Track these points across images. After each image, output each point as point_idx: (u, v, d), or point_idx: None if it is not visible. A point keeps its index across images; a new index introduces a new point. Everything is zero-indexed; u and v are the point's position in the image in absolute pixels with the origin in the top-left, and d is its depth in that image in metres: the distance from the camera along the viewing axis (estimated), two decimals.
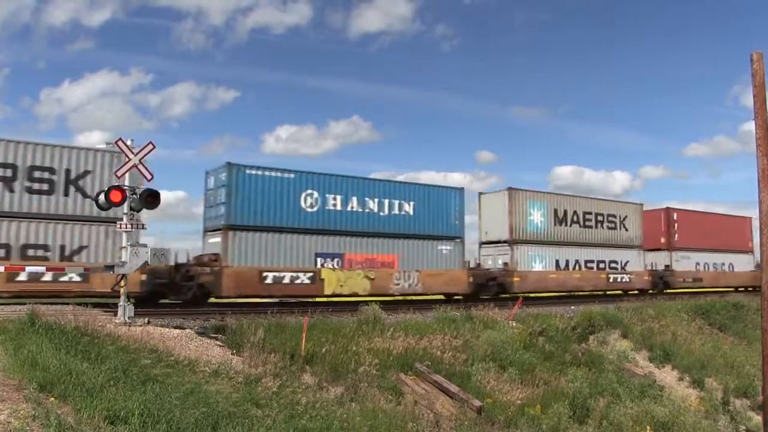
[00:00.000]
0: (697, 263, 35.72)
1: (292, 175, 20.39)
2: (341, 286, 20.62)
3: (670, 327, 20.51)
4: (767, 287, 10.23)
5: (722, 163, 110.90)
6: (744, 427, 15.18)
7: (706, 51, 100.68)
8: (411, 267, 22.55)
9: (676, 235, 34.61)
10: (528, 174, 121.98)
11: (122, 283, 12.24)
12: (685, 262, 34.76)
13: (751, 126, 10.37)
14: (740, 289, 37.50)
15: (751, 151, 10.22)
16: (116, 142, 12.48)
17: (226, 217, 19.04)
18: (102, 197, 12.25)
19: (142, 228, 12.62)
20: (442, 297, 24.07)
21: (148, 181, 12.81)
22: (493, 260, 26.58)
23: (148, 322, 12.22)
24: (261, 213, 19.64)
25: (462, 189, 24.80)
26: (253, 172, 19.62)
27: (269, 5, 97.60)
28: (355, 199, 21.74)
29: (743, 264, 38.97)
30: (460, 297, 23.96)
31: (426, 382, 12.29)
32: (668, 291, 32.17)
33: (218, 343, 11.93)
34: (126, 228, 12.27)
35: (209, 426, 7.32)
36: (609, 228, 30.51)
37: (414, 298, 23.07)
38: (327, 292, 20.45)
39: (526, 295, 24.64)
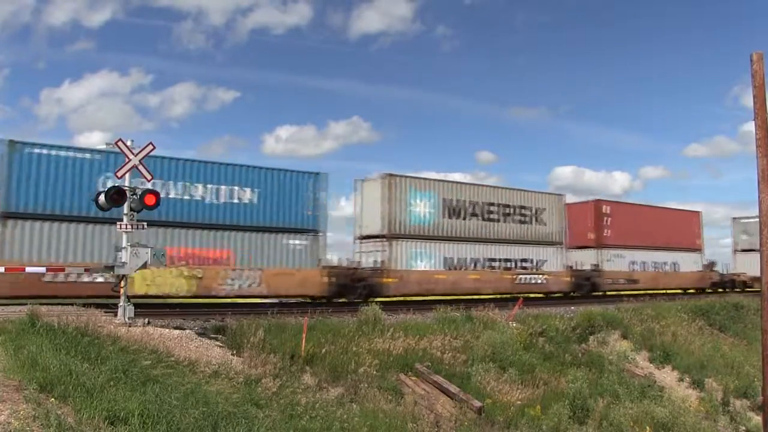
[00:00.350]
0: (633, 262, 32.05)
1: (88, 155, 17.12)
2: (148, 285, 17.09)
3: (670, 327, 20.51)
4: (767, 288, 10.22)
5: (722, 164, 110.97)
6: (744, 428, 15.17)
7: (706, 51, 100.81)
8: (253, 264, 19.15)
9: (607, 231, 30.85)
10: (528, 174, 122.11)
11: (122, 283, 12.24)
12: (617, 262, 31.11)
13: (750, 126, 10.37)
14: (689, 291, 35.01)
15: (751, 151, 10.22)
16: (116, 143, 12.48)
17: (4, 204, 15.91)
18: (102, 198, 12.26)
19: (143, 228, 12.62)
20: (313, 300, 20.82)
21: (148, 181, 12.82)
22: (372, 258, 23.03)
23: (148, 323, 12.22)
24: (49, 199, 16.39)
25: (320, 174, 20.93)
26: (39, 150, 16.43)
27: (269, 6, 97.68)
28: (177, 184, 18.26)
29: (690, 263, 35.60)
30: (321, 300, 20.69)
31: (426, 382, 12.30)
32: (595, 294, 28.80)
33: (218, 343, 11.93)
34: (126, 228, 12.27)
35: (209, 426, 7.33)
36: (520, 222, 26.67)
37: (256, 300, 20.03)
38: (129, 293, 17.80)
39: (408, 298, 22.38)
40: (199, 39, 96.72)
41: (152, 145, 12.55)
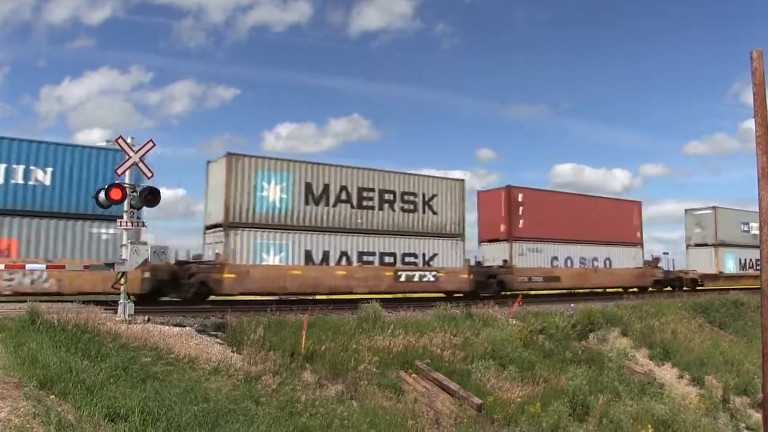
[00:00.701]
0: (555, 258, 28.10)
1: None
2: None
3: (670, 325, 20.51)
4: (767, 285, 10.21)
5: (722, 161, 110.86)
6: (744, 425, 15.19)
7: (706, 49, 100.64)
8: (46, 256, 16.30)
9: (521, 222, 26.85)
10: (528, 172, 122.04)
11: (122, 281, 12.24)
12: (534, 257, 27.14)
13: (750, 124, 10.35)
14: (632, 289, 31.12)
15: (751, 148, 10.20)
16: (116, 140, 12.48)
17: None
18: (102, 195, 12.26)
19: (143, 226, 12.63)
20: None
21: (149, 179, 12.82)
22: (217, 250, 19.80)
23: (148, 320, 12.23)
24: None
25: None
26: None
27: (269, 3, 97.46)
28: None
29: (627, 259, 31.61)
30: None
31: (426, 379, 12.31)
32: (505, 294, 24.14)
33: (218, 340, 11.93)
34: (126, 226, 12.28)
35: (209, 423, 7.34)
36: (405, 210, 23.02)
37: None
38: None
39: (250, 297, 20.05)
40: (200, 37, 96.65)
41: (152, 142, 12.55)
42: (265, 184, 20.15)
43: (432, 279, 23.25)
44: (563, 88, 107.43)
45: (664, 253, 35.80)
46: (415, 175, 23.92)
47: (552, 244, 28.02)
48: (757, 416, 14.87)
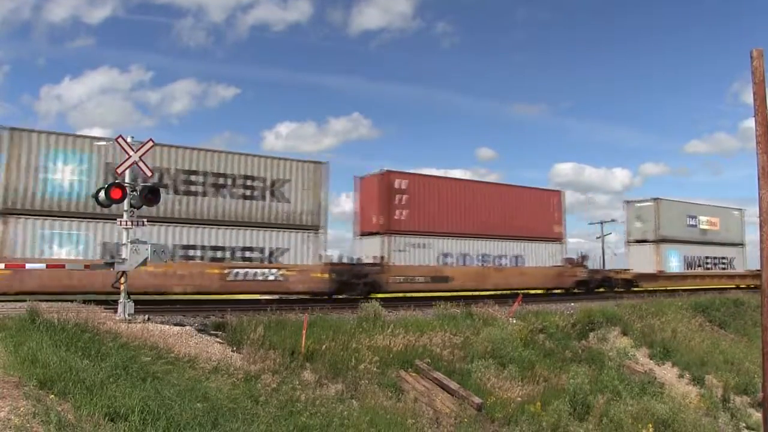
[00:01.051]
0: (447, 255, 23.91)
1: None
2: None
3: (670, 324, 20.52)
4: (767, 284, 10.20)
5: (722, 161, 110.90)
6: (744, 425, 15.18)
7: (706, 48, 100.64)
8: None
9: (402, 213, 22.86)
10: (528, 171, 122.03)
11: (122, 280, 12.24)
12: (417, 253, 23.10)
13: (751, 123, 10.33)
14: (556, 291, 27.94)
15: (751, 148, 10.18)
16: (116, 140, 12.49)
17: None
18: (102, 194, 12.26)
19: (143, 225, 12.62)
20: None
21: (149, 177, 12.80)
22: None
23: (148, 319, 12.24)
24: None
25: None
26: None
27: (269, 2, 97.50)
28: None
29: (543, 257, 27.25)
30: None
31: (426, 379, 12.30)
32: (378, 296, 20.55)
33: (218, 340, 11.93)
34: (126, 225, 12.27)
35: (209, 422, 7.33)
36: (245, 197, 19.53)
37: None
38: None
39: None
40: (200, 36, 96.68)
41: (152, 141, 12.56)
42: (56, 164, 16.92)
43: (276, 278, 19.40)
44: (563, 87, 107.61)
45: (615, 253, 33.06)
46: (259, 156, 20.24)
47: (443, 238, 23.92)
48: (757, 416, 14.86)
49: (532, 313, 17.87)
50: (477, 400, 11.46)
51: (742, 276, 36.85)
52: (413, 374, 12.46)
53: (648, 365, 17.25)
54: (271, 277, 19.39)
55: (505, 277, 25.60)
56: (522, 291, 24.36)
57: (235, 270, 18.78)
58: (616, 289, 29.45)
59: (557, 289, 28.17)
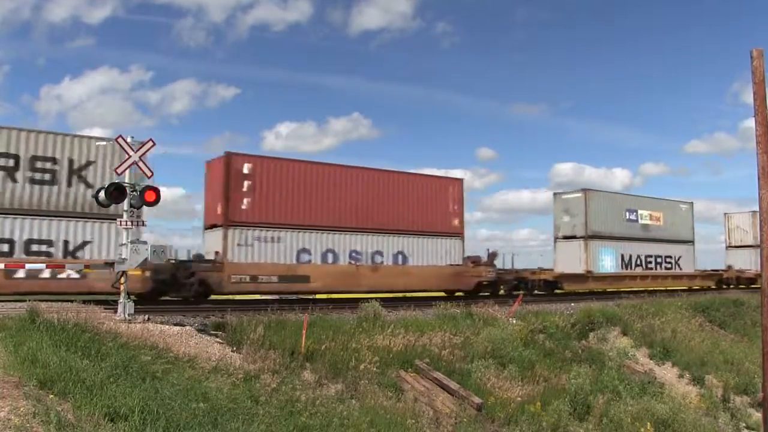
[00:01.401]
0: (305, 251, 20.64)
1: None
2: None
3: (670, 324, 20.53)
4: (767, 284, 10.21)
5: (722, 160, 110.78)
6: (744, 425, 15.18)
7: (706, 48, 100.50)
8: None
9: (247, 202, 19.71)
10: (528, 170, 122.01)
11: (122, 280, 12.25)
12: (267, 248, 19.99)
13: (751, 123, 10.35)
14: (458, 293, 24.01)
15: (751, 148, 10.20)
16: (116, 140, 12.50)
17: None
18: (102, 194, 12.27)
19: (143, 225, 12.63)
20: None
21: (149, 178, 12.82)
22: None
23: (148, 319, 12.24)
24: None
25: None
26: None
27: (269, 2, 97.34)
28: None
29: (439, 254, 23.72)
30: None
31: (426, 379, 12.31)
32: (215, 298, 19.12)
33: (218, 340, 11.93)
34: (127, 225, 12.28)
35: (209, 422, 7.33)
36: (36, 182, 16.47)
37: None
38: None
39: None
40: (200, 36, 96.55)
41: (152, 141, 12.56)
42: None
43: (74, 276, 16.03)
44: (563, 87, 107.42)
45: (541, 254, 28.45)
46: (56, 134, 17.01)
47: (300, 231, 20.63)
48: (757, 416, 14.86)
49: (532, 313, 17.88)
50: (477, 400, 11.46)
51: (691, 276, 33.30)
52: (413, 374, 12.46)
53: (648, 365, 17.25)
54: (67, 276, 16.01)
55: (383, 277, 21.93)
56: (409, 294, 22.75)
57: (15, 269, 14.82)
58: (535, 293, 26.30)
59: (456, 291, 24.44)
